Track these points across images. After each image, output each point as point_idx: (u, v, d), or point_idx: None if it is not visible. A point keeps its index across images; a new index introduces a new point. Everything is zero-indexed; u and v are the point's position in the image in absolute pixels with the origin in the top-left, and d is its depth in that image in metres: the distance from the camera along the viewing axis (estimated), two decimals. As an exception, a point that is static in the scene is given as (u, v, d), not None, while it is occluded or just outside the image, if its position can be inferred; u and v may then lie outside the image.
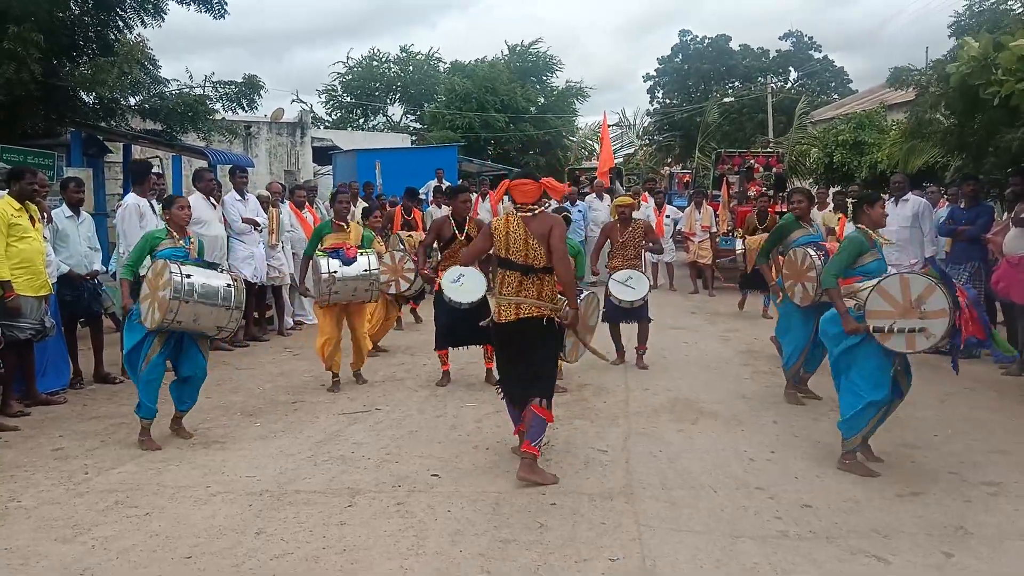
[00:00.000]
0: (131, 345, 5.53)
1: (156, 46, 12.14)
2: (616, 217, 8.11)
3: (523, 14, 79.10)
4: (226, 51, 65.69)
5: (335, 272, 6.85)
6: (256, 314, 9.78)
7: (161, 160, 16.03)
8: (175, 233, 5.73)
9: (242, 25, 72.66)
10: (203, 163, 13.21)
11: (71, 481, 4.83)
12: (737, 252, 13.78)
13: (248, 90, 13.55)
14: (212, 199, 8.80)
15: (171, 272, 5.27)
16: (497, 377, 6.86)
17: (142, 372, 5.47)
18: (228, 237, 8.88)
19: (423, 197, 13.27)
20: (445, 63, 34.60)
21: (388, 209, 11.33)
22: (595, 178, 17.05)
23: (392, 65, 34.24)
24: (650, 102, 42.69)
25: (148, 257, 5.66)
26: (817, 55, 42.98)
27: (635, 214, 8.51)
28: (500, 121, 29.99)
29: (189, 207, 5.96)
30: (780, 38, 43.46)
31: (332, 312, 7.04)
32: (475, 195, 14.76)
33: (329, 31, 74.85)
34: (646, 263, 9.75)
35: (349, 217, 8.23)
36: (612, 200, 15.09)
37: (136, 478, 4.88)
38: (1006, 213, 8.34)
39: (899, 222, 8.94)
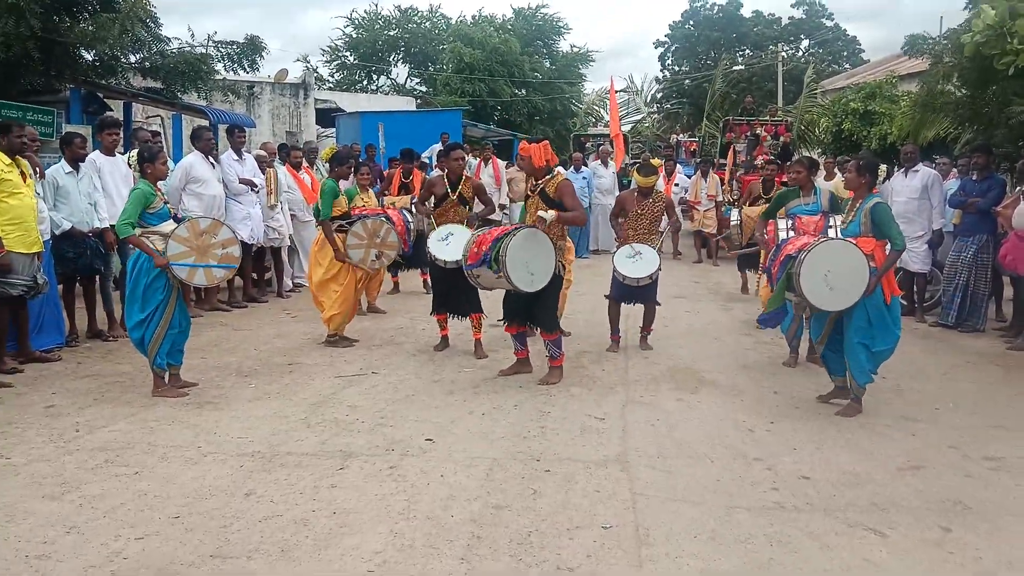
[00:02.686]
0: (145, 314, 5.53)
1: (163, 5, 12.03)
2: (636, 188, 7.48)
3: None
4: (236, 11, 64.72)
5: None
6: (255, 276, 9.71)
7: (162, 119, 15.90)
8: (159, 190, 5.68)
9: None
10: (203, 122, 13.07)
11: (62, 439, 4.78)
12: (732, 223, 13.12)
13: (250, 50, 13.39)
14: (211, 158, 8.69)
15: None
16: (485, 353, 6.85)
17: (164, 331, 5.57)
18: (226, 197, 8.76)
19: (426, 161, 13.12)
20: (449, 19, 34.13)
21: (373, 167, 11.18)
22: (600, 144, 16.87)
23: (393, 26, 33.75)
24: (661, 69, 42.18)
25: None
26: (829, 23, 42.34)
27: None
28: (508, 91, 29.68)
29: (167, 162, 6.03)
30: (792, 6, 42.79)
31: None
32: (477, 159, 14.65)
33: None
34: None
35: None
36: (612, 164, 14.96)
37: (127, 437, 4.83)
38: (1017, 186, 8.19)
39: (908, 193, 8.81)
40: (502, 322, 6.35)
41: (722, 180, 14.11)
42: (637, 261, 7.10)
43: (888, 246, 5.34)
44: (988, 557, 3.47)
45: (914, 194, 8.75)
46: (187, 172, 8.43)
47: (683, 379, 6.33)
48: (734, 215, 11.15)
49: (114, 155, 7.70)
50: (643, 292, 7.20)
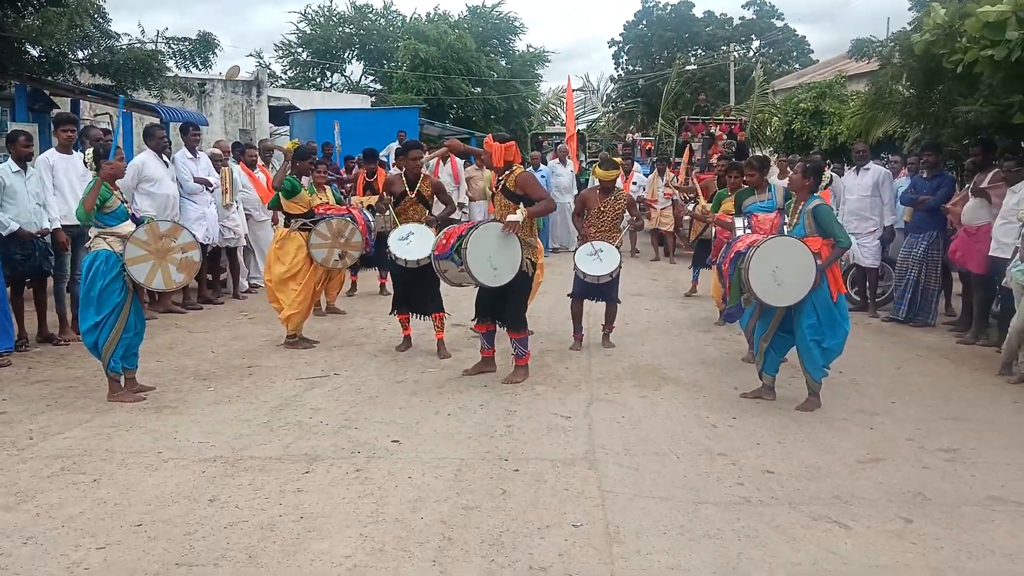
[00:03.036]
0: (101, 316, 5.38)
1: (112, 2, 11.71)
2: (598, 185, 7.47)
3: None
4: (187, 8, 63.29)
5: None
6: (210, 276, 9.54)
7: (111, 117, 15.52)
8: (116, 188, 5.54)
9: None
10: (155, 120, 12.78)
11: (15, 447, 4.64)
12: (685, 218, 13.14)
13: (202, 47, 13.11)
14: (164, 157, 8.51)
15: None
16: (448, 353, 6.81)
17: (119, 335, 5.43)
18: (179, 196, 8.59)
19: (384, 159, 13.01)
20: (404, 16, 33.92)
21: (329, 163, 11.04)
22: (558, 143, 16.93)
23: (348, 23, 33.43)
24: (615, 68, 42.46)
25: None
26: (779, 24, 43.08)
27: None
28: (465, 89, 29.64)
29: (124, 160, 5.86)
30: (743, 6, 43.46)
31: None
32: (435, 159, 14.55)
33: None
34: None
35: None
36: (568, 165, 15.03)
37: (84, 443, 4.70)
38: (967, 184, 8.43)
39: (859, 191, 9.01)
40: (473, 320, 6.35)
41: (677, 178, 14.25)
42: (598, 259, 7.11)
43: (834, 244, 5.44)
44: (948, 547, 3.56)
45: (865, 192, 8.95)
46: (139, 171, 8.24)
47: (645, 376, 6.38)
48: (688, 208, 11.21)
49: (70, 152, 7.49)
50: (604, 290, 7.22)
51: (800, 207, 5.59)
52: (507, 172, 6.08)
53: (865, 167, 9.08)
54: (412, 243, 6.72)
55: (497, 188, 6.15)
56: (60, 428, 4.97)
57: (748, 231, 6.54)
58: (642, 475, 4.32)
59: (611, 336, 7.46)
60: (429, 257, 6.46)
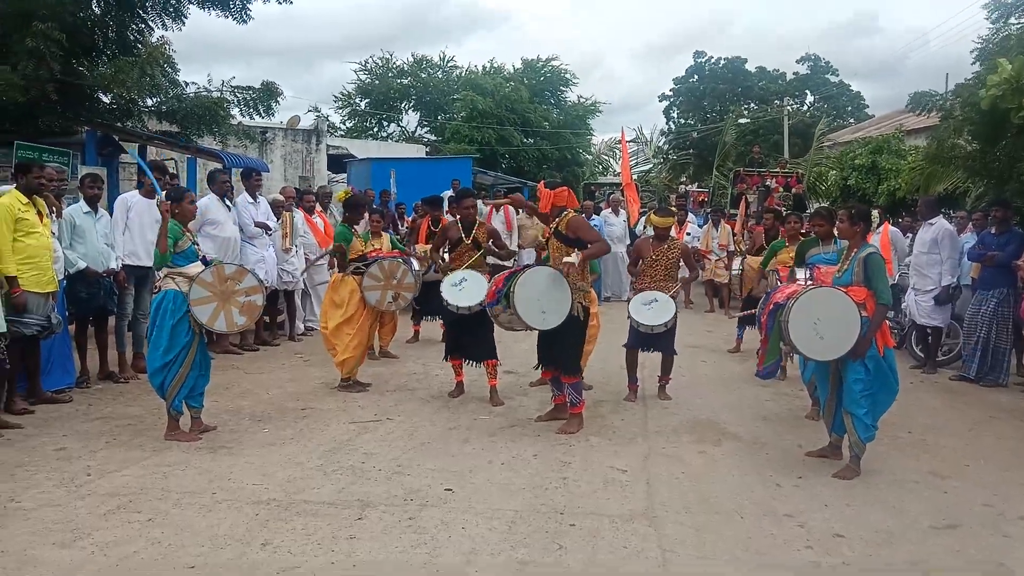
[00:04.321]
0: (171, 356, 5.47)
1: (182, 53, 12.18)
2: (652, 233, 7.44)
3: (550, 35, 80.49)
4: (255, 60, 65.70)
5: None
6: (267, 318, 9.63)
7: (176, 162, 16.00)
8: (187, 229, 5.67)
9: (270, 37, 72.28)
10: (218, 165, 13.13)
11: (73, 483, 4.67)
12: (733, 272, 12.86)
13: (266, 96, 13.50)
14: (226, 200, 8.70)
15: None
16: (501, 400, 6.73)
17: (186, 374, 5.51)
18: (240, 240, 8.75)
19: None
20: (459, 67, 34.63)
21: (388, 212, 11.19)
22: (611, 193, 16.94)
23: (405, 75, 34.25)
24: (667, 122, 42.65)
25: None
26: (833, 79, 42.88)
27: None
28: (518, 139, 30.03)
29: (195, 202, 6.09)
30: (797, 62, 43.43)
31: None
32: (488, 206, 14.68)
33: (357, 47, 75.33)
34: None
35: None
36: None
37: (140, 482, 4.71)
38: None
39: (919, 247, 8.77)
40: (536, 368, 6.35)
41: (734, 230, 14.11)
42: (653, 308, 7.00)
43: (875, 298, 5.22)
44: (1037, 623, 3.34)
45: (924, 248, 8.69)
46: (202, 214, 8.41)
47: (704, 431, 6.20)
48: (736, 264, 11.04)
49: (152, 197, 7.69)
50: (659, 340, 7.08)
51: (852, 253, 5.40)
52: (559, 217, 6.06)
53: (929, 221, 8.84)
54: (465, 289, 6.73)
55: (551, 233, 6.14)
56: (117, 466, 5.00)
57: (810, 283, 6.37)
58: (704, 535, 4.16)
59: (667, 388, 7.29)
60: (481, 304, 6.46)
